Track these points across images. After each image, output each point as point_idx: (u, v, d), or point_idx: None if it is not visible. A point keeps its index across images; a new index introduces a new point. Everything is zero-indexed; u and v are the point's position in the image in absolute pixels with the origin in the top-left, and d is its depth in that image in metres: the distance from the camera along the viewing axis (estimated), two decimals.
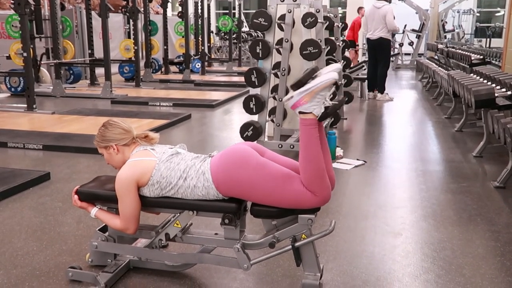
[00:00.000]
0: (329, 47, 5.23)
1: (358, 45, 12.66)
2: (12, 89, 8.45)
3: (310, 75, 1.96)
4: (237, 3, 14.20)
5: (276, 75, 4.95)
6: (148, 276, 2.34)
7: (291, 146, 4.53)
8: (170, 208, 2.21)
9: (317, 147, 1.99)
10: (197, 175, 2.08)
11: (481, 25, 19.26)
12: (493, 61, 7.59)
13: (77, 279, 2.26)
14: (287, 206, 2.05)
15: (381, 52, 8.18)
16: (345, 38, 8.57)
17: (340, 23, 6.33)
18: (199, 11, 12.43)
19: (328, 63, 5.27)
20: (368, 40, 8.35)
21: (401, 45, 14.86)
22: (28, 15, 6.73)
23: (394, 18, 7.94)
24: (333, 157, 4.47)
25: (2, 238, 2.74)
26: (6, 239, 2.74)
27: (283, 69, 4.63)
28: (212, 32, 16.11)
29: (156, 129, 5.22)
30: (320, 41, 4.71)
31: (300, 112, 1.98)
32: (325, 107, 1.98)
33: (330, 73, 1.94)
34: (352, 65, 8.43)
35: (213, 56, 15.37)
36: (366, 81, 8.52)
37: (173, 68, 12.66)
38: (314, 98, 1.93)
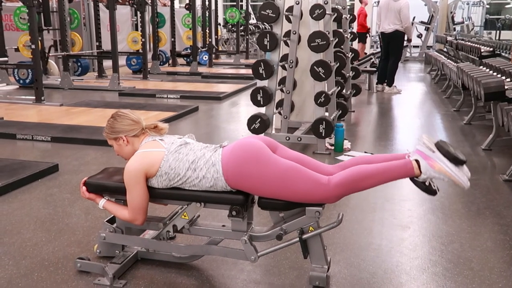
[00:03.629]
0: (337, 39, 5.20)
1: (368, 35, 12.46)
2: (21, 81, 8.49)
3: (462, 161, 1.96)
4: None
5: (283, 67, 4.94)
6: (156, 267, 2.35)
7: (299, 139, 4.53)
8: (177, 200, 2.21)
9: (386, 181, 2.06)
10: (206, 166, 2.08)
11: (491, 17, 19.10)
12: (503, 54, 7.52)
13: (86, 269, 2.28)
14: (295, 201, 2.05)
15: (394, 45, 7.99)
16: (353, 30, 8.48)
17: (348, 15, 6.29)
18: (207, 3, 12.40)
19: (336, 55, 5.25)
20: (382, 33, 8.13)
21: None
22: (36, 7, 6.75)
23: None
24: (341, 150, 4.46)
25: (11, 229, 2.77)
26: (15, 230, 2.76)
27: (291, 61, 4.62)
28: (220, 24, 16.08)
29: (164, 121, 5.19)
30: (328, 33, 4.68)
31: (416, 160, 2.00)
32: (428, 182, 2.00)
33: (467, 181, 1.96)
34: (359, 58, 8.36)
35: (220, 49, 15.33)
36: (375, 73, 8.46)
37: (180, 60, 12.64)
38: (438, 173, 1.96)
